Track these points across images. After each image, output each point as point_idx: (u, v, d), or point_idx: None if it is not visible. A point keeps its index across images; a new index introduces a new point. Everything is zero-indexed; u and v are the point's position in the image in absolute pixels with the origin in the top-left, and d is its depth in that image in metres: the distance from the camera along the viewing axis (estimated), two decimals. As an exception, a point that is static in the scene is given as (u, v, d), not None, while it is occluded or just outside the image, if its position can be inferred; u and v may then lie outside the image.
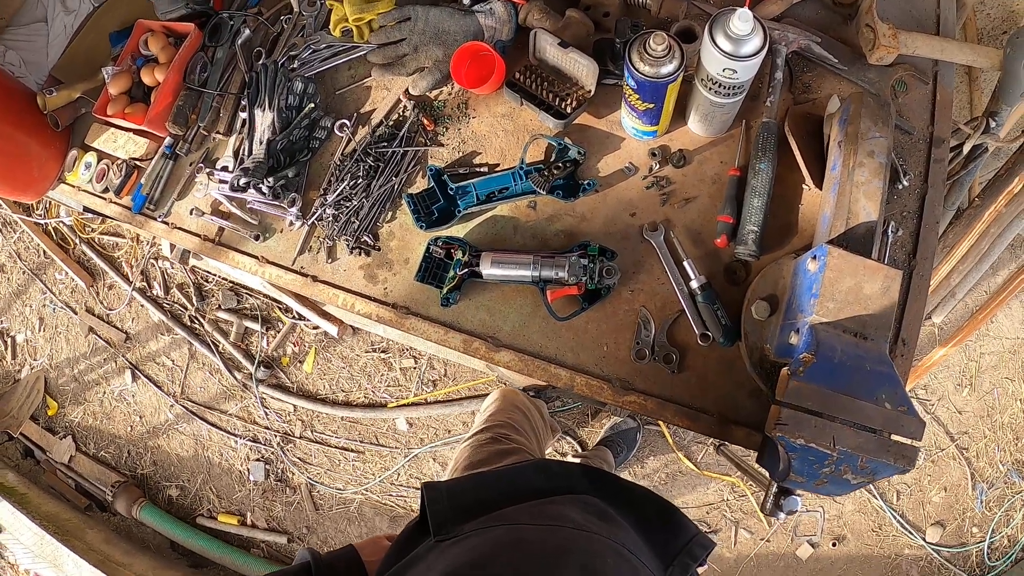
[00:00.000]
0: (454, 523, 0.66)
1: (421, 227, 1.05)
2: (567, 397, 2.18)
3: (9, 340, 2.89)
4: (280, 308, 2.49)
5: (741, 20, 0.80)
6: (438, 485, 0.72)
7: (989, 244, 1.76)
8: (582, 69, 1.03)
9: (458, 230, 1.07)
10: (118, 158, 1.34)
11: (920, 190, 0.99)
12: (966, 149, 1.21)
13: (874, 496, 2.04)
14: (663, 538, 0.73)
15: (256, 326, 2.49)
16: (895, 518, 2.02)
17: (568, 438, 2.19)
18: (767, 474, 0.82)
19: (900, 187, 0.98)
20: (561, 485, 0.77)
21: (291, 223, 1.16)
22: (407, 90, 1.14)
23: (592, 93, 1.04)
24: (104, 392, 2.72)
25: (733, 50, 0.82)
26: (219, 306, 2.55)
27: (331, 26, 1.19)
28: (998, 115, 1.13)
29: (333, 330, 2.27)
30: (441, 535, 0.64)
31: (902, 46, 0.98)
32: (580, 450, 2.17)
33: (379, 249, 1.11)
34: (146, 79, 1.30)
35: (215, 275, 2.52)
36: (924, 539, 2.00)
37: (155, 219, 1.27)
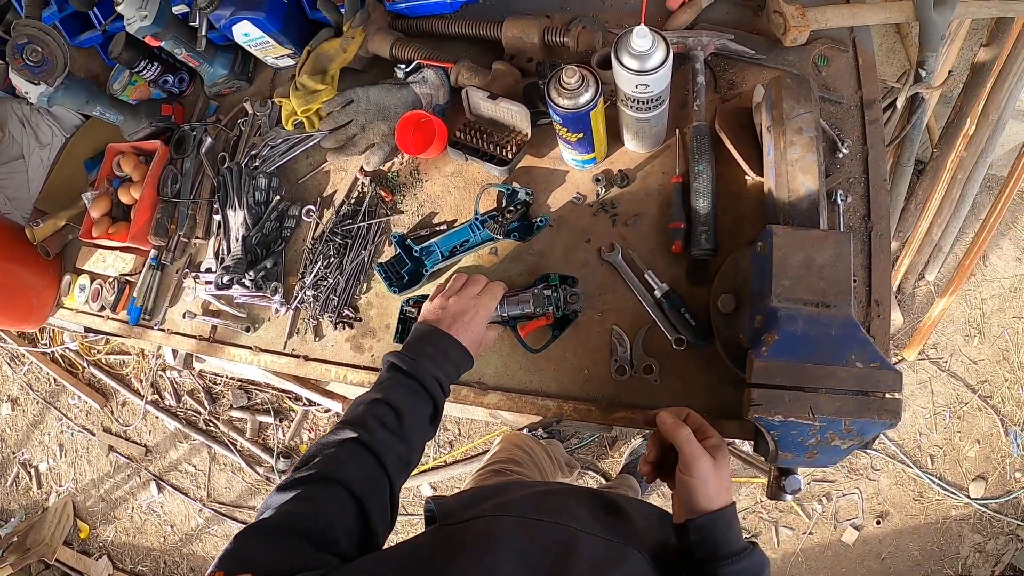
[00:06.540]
0: (459, 513, 0.70)
1: (394, 292, 1.10)
2: (581, 432, 2.17)
3: (32, 470, 2.93)
4: (290, 398, 2.52)
5: (639, 37, 0.83)
6: (441, 497, 0.77)
7: (959, 191, 1.76)
8: (515, 115, 1.08)
9: (429, 288, 1.10)
10: (109, 276, 1.40)
11: (861, 153, 1.00)
12: (899, 103, 1.23)
13: (908, 465, 2.00)
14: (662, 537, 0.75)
15: (270, 419, 2.52)
16: (934, 482, 1.98)
17: (590, 472, 2.18)
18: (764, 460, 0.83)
19: (840, 155, 1.00)
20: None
21: (276, 310, 1.21)
22: (362, 168, 1.20)
23: (529, 136, 1.09)
24: (132, 507, 2.74)
25: (640, 66, 0.85)
26: (231, 405, 2.58)
27: (283, 121, 1.26)
28: (925, 64, 1.14)
29: (338, 407, 2.29)
30: (448, 521, 0.68)
31: (812, 23, 1.01)
32: (604, 481, 2.16)
33: (360, 320, 1.15)
34: (124, 198, 1.38)
35: (222, 376, 2.57)
36: (968, 496, 1.95)
37: (152, 328, 1.32)
